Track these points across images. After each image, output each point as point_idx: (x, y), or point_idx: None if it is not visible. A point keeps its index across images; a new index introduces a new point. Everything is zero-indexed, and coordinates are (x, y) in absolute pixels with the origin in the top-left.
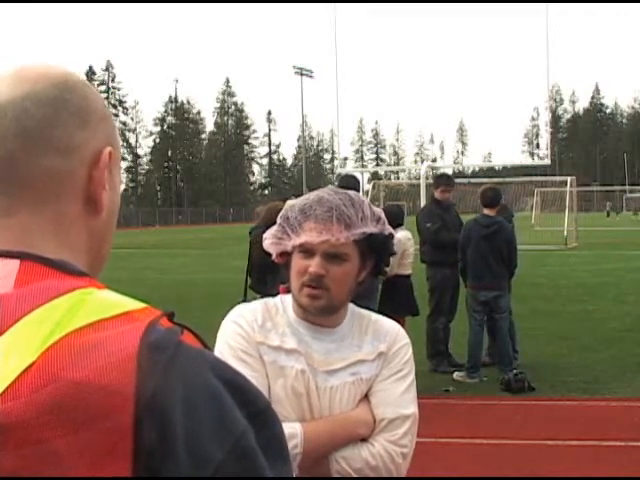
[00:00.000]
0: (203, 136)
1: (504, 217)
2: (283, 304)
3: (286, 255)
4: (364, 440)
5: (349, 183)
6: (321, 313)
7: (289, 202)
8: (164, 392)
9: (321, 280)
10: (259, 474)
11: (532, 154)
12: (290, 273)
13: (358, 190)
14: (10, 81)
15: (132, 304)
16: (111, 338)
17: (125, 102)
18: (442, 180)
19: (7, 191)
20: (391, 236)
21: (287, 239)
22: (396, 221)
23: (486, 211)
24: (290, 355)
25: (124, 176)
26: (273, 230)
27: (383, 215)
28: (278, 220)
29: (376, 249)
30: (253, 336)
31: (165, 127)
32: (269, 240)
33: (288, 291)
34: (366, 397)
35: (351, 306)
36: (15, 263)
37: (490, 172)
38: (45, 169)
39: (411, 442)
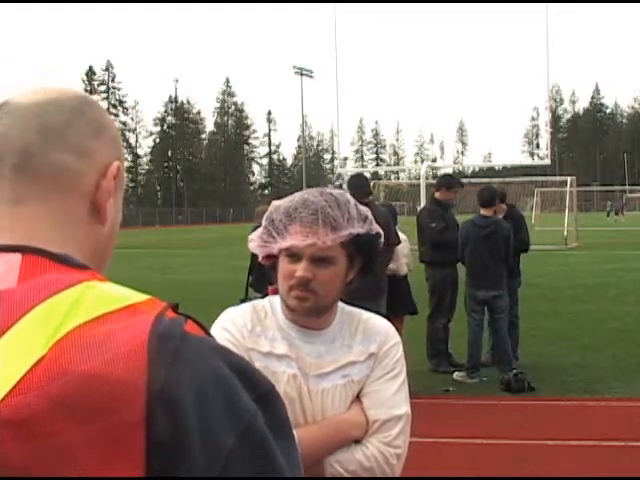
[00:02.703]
0: (203, 136)
1: (513, 219)
2: (272, 306)
3: (273, 257)
4: (358, 442)
5: (358, 182)
6: (309, 314)
7: (274, 203)
8: (174, 382)
9: (308, 284)
10: (270, 458)
11: (532, 154)
12: (277, 275)
13: (368, 189)
14: (35, 92)
15: (136, 296)
16: (119, 331)
17: (125, 102)
18: (443, 181)
19: (20, 179)
20: (378, 235)
21: (273, 242)
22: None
23: (483, 211)
24: (281, 360)
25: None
26: (259, 232)
27: (370, 214)
28: (263, 222)
29: (364, 249)
30: (243, 343)
31: (165, 127)
32: (255, 242)
33: (277, 292)
34: (358, 398)
35: (340, 305)
36: (17, 257)
37: (490, 172)
38: (58, 164)
39: (404, 442)
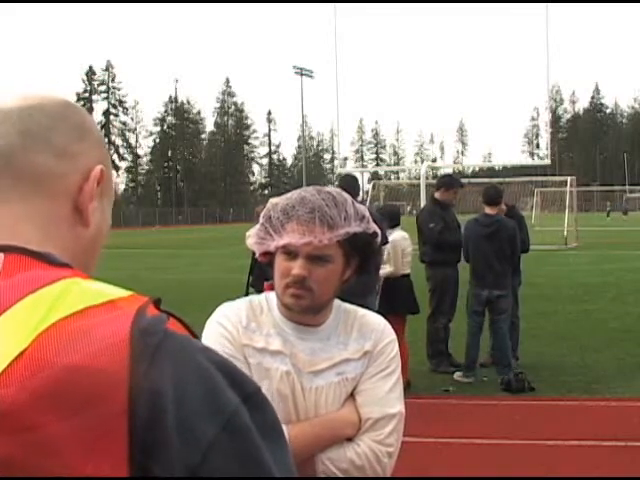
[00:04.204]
0: (203, 136)
1: (513, 219)
2: (268, 303)
3: (269, 254)
4: (350, 440)
5: (348, 183)
6: (305, 312)
7: (272, 200)
8: (155, 375)
9: (304, 281)
10: (255, 454)
11: (532, 154)
12: (274, 273)
13: (357, 190)
14: (19, 98)
15: (117, 292)
16: (101, 324)
17: (125, 102)
18: (443, 181)
19: (2, 181)
20: (375, 234)
21: (270, 239)
22: (394, 220)
23: (487, 210)
24: (275, 356)
25: (124, 176)
26: (256, 229)
27: (367, 213)
28: (260, 219)
29: (360, 248)
30: (238, 338)
31: (165, 127)
32: (252, 239)
33: (273, 288)
34: (352, 396)
35: (337, 302)
36: (0, 256)
37: (490, 172)
38: (40, 166)
39: (397, 441)
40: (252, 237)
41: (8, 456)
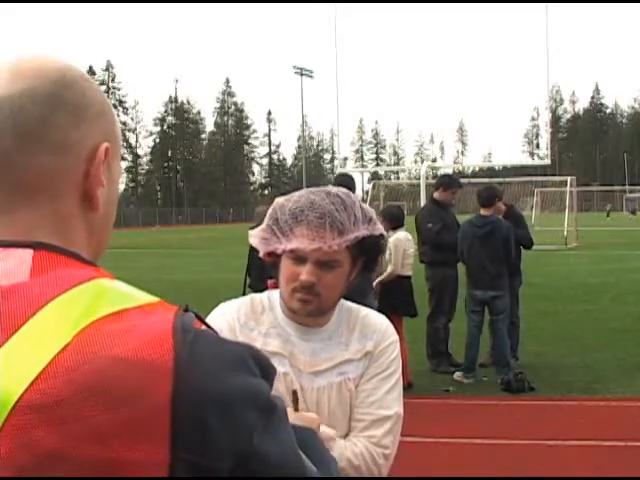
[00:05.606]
0: (203, 136)
1: (512, 218)
2: (270, 301)
3: (274, 255)
4: (347, 440)
5: (344, 182)
6: (311, 316)
7: (278, 200)
8: (196, 366)
9: (313, 287)
10: (289, 434)
11: (532, 154)
12: (279, 274)
13: (353, 189)
14: (7, 75)
15: (146, 297)
16: (141, 322)
17: (125, 102)
18: (442, 181)
19: (5, 189)
20: (381, 236)
21: (277, 242)
22: (396, 222)
23: (482, 211)
24: (273, 358)
25: (124, 176)
26: (261, 229)
27: (374, 215)
28: (266, 220)
29: (367, 251)
30: (234, 339)
31: (165, 127)
32: (256, 239)
33: (276, 286)
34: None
35: (340, 301)
36: (28, 252)
37: (490, 172)
38: (41, 167)
39: (393, 442)
40: (256, 236)
41: (57, 447)
